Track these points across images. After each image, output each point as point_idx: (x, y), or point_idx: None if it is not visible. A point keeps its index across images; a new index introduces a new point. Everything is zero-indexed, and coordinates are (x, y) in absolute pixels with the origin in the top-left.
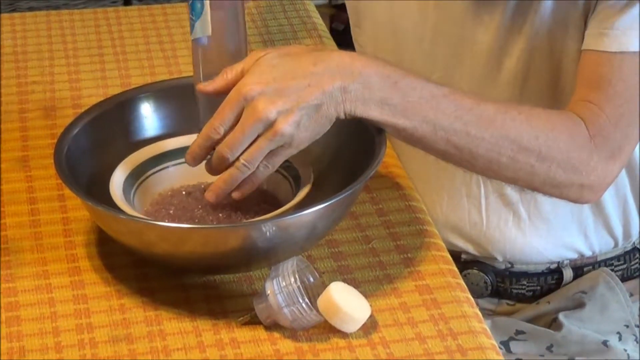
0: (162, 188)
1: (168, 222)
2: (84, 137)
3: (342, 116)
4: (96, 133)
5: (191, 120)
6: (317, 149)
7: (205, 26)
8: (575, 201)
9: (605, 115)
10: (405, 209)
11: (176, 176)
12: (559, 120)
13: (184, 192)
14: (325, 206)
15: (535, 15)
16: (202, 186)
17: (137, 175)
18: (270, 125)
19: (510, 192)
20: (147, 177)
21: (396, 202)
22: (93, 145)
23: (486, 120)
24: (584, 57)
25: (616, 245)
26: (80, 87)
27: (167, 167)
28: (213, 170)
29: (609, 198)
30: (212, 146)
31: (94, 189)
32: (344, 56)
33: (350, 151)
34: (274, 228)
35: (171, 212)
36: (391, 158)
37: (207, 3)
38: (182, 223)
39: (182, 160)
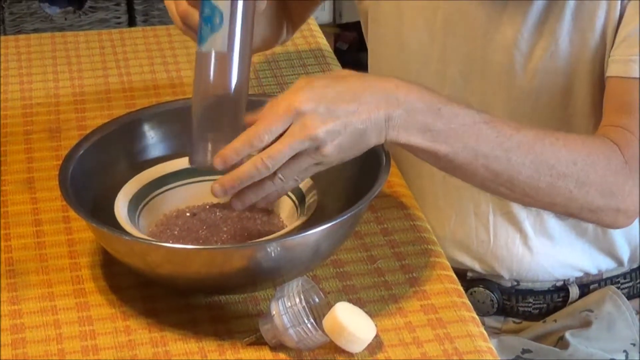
0: (167, 209)
1: (172, 243)
2: (89, 159)
3: (383, 141)
4: (101, 155)
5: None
6: None
7: (221, 41)
8: (609, 226)
9: (638, 139)
10: (410, 229)
11: (181, 197)
12: (595, 145)
13: (188, 214)
14: (330, 226)
15: (551, 37)
16: (207, 207)
17: (142, 197)
18: (316, 144)
19: (517, 210)
20: (152, 198)
21: (401, 222)
22: (98, 167)
23: (526, 147)
24: (611, 84)
25: (621, 265)
26: (85, 109)
27: (172, 188)
28: (232, 182)
29: None
30: (249, 153)
31: (99, 211)
32: (388, 83)
33: (355, 170)
34: (278, 248)
35: (176, 233)
36: (396, 177)
37: (227, 18)
38: (187, 244)
39: (187, 181)
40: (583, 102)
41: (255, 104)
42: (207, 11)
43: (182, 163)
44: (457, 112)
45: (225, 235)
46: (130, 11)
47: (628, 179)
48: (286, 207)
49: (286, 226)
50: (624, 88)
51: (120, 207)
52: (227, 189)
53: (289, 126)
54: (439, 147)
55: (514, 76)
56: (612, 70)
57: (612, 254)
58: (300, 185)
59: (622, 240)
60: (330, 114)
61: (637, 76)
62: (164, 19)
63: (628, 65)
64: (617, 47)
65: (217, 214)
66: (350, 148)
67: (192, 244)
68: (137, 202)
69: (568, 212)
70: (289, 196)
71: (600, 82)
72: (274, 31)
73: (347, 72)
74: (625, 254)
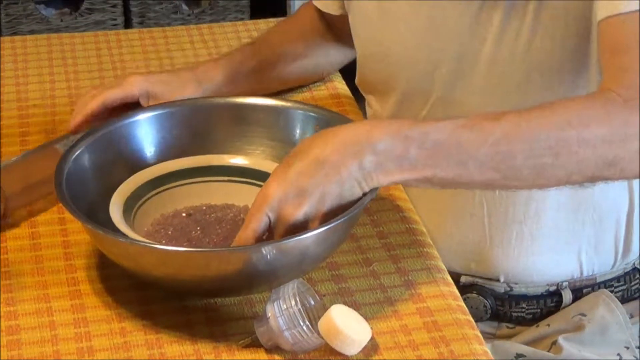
0: (165, 209)
1: (165, 243)
2: (85, 160)
3: (368, 190)
4: (97, 155)
5: (192, 141)
6: None
7: None
8: (637, 175)
9: (638, 75)
10: (405, 231)
11: (179, 197)
12: (584, 99)
13: (184, 214)
14: (326, 229)
15: (533, 21)
16: (204, 207)
17: (138, 197)
18: (301, 224)
19: (513, 210)
20: (148, 198)
21: (397, 225)
22: (94, 168)
23: (513, 132)
24: (602, 28)
25: (616, 261)
26: None
27: (170, 188)
28: None
29: (608, 216)
30: None
31: (95, 212)
32: (348, 133)
33: None
34: (274, 251)
35: (170, 232)
36: None
37: None
38: (179, 244)
39: (185, 181)
40: (574, 82)
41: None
42: None
43: (180, 164)
44: (426, 131)
45: (217, 238)
46: (127, 13)
47: (632, 116)
48: None
49: None
50: (615, 27)
51: (116, 207)
52: None
53: (271, 219)
54: (422, 172)
55: (504, 67)
56: (601, 13)
57: (607, 250)
58: None
59: (616, 234)
60: (302, 194)
61: (628, 10)
62: (160, 21)
63: (615, 3)
64: None
65: (212, 215)
66: (338, 208)
67: (184, 245)
68: (134, 202)
69: (588, 175)
70: None
71: (590, 58)
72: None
73: (308, 139)
74: (619, 249)
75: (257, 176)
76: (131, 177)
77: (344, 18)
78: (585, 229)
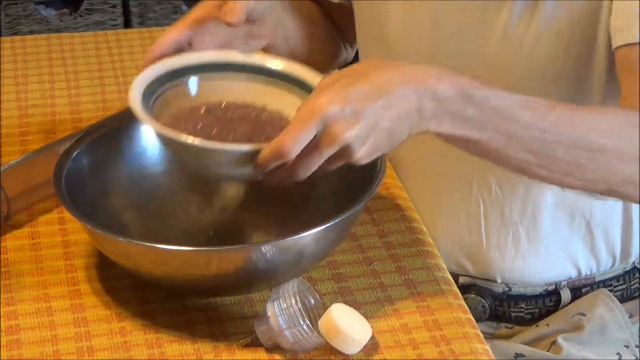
0: (182, 103)
1: (188, 135)
2: (84, 159)
3: (413, 134)
4: (96, 155)
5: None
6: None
7: None
8: None
9: None
10: (406, 230)
11: (196, 92)
12: (628, 113)
13: (203, 110)
14: (325, 228)
15: (539, 20)
16: (223, 104)
17: (156, 87)
18: (346, 149)
19: (509, 211)
20: (166, 90)
21: (397, 224)
22: (93, 168)
23: (562, 124)
24: (621, 54)
25: (614, 263)
26: (81, 110)
27: (189, 81)
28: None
29: (604, 220)
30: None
31: (95, 211)
32: (417, 72)
33: (350, 171)
34: (273, 250)
35: (189, 127)
36: (391, 179)
37: None
38: (203, 139)
39: (205, 74)
40: (574, 92)
41: None
42: None
43: (199, 57)
44: (488, 96)
45: (240, 137)
46: (126, 13)
47: None
48: None
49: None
50: (634, 54)
51: (136, 95)
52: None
53: (317, 132)
54: (470, 133)
55: (505, 69)
56: (619, 39)
57: (606, 250)
58: None
59: (615, 234)
60: (357, 116)
61: None
62: (160, 21)
63: (633, 29)
64: (616, 16)
65: (234, 113)
66: (381, 146)
67: (208, 139)
68: (151, 93)
69: (611, 187)
70: None
71: (593, 68)
72: (331, 51)
73: (374, 63)
74: (617, 250)
75: (280, 76)
76: (149, 68)
77: (342, 8)
78: (582, 232)
